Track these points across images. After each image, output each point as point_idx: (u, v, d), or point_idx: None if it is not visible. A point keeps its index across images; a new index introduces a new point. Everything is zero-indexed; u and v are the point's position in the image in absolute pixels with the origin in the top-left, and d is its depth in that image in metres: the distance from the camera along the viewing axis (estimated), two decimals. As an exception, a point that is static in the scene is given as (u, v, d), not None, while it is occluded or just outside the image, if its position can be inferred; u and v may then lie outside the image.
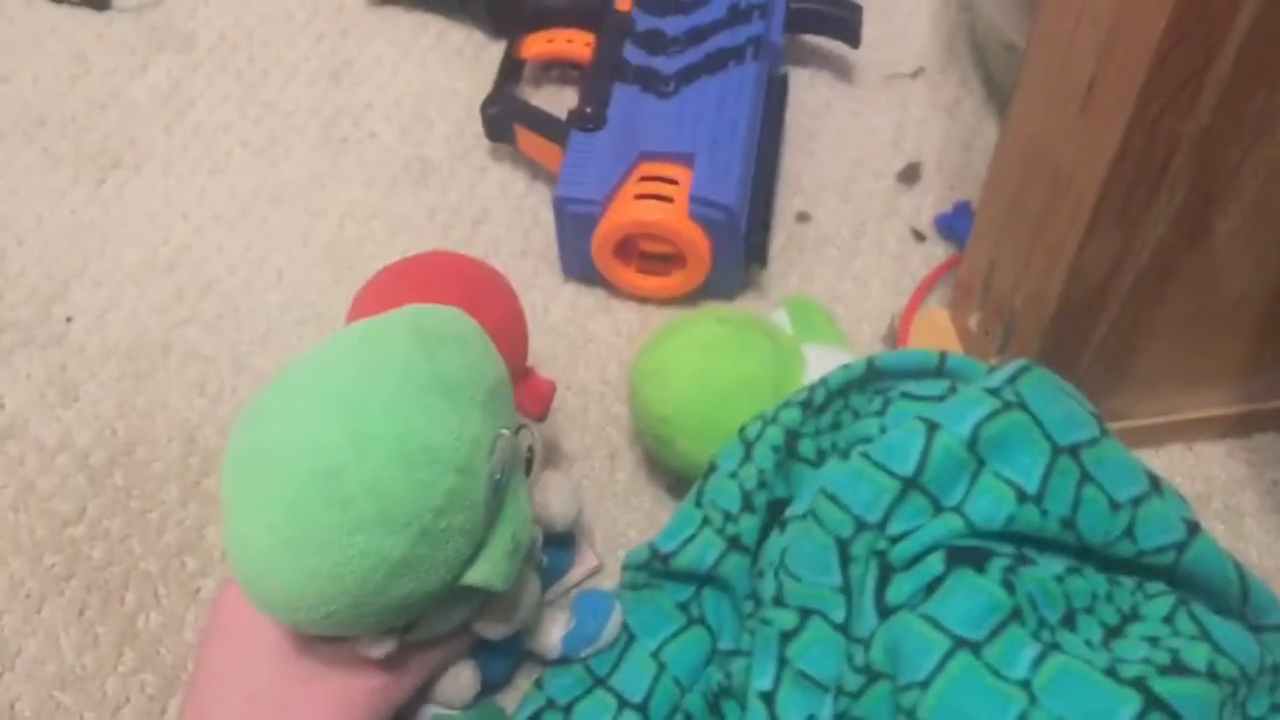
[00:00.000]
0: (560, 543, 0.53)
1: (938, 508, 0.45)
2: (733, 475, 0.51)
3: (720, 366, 0.54)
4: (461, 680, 0.48)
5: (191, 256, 0.69)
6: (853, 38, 0.75)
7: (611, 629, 0.51)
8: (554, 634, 0.50)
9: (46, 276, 0.68)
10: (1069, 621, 0.44)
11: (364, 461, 0.38)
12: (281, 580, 0.39)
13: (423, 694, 0.48)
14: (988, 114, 0.76)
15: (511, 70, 0.75)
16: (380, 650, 0.43)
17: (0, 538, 0.58)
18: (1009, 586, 0.43)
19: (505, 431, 0.42)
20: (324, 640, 0.44)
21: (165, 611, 0.56)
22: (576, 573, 0.54)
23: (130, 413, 0.62)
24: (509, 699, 0.52)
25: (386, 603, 0.40)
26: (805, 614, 0.47)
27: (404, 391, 0.39)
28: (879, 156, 0.74)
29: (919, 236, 0.70)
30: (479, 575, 0.41)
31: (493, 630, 0.46)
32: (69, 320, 0.66)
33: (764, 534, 0.51)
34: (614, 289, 0.67)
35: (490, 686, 0.51)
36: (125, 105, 0.76)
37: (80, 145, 0.74)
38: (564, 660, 0.51)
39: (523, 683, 0.53)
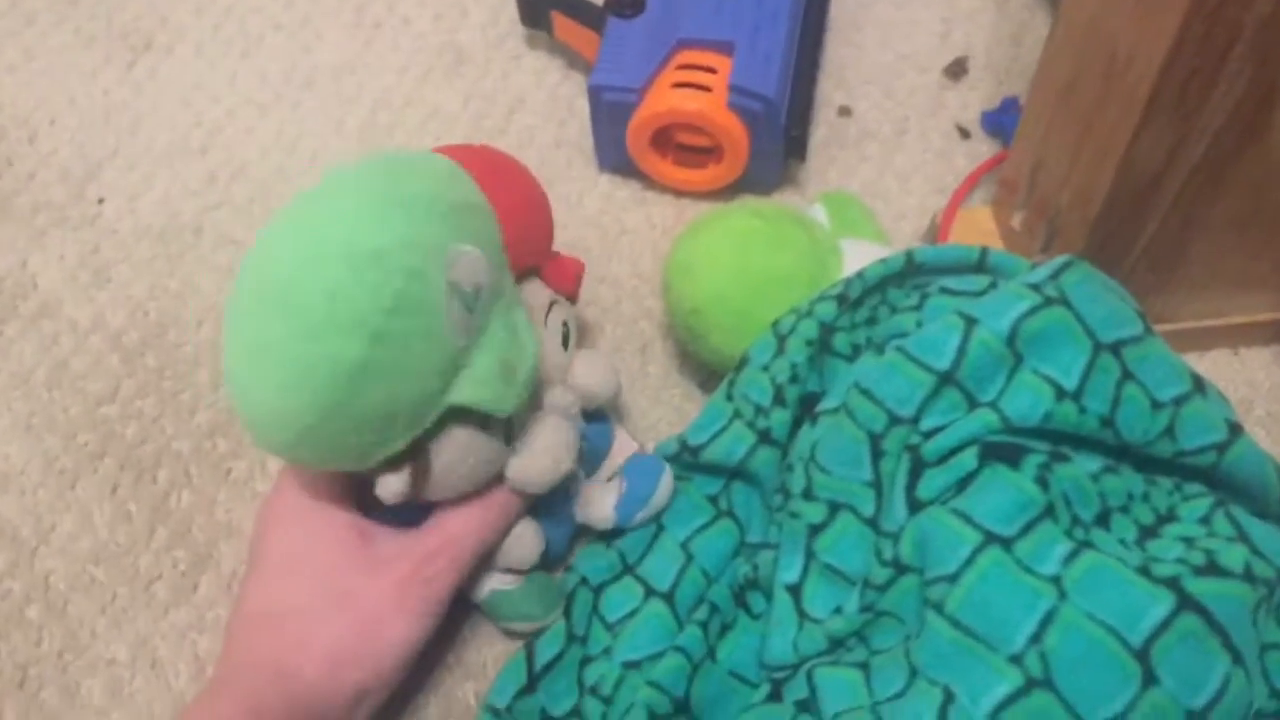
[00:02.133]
0: (600, 424, 0.53)
1: (973, 403, 0.44)
2: (765, 368, 0.50)
3: (754, 259, 0.53)
4: (525, 542, 0.48)
5: (223, 140, 0.68)
6: (903, -75, 0.72)
7: (663, 490, 0.51)
8: (607, 502, 0.50)
9: (79, 157, 0.67)
10: (1103, 520, 0.43)
11: (315, 269, 0.38)
12: (256, 400, 0.39)
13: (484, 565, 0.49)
14: (1039, 7, 0.73)
15: (549, -46, 0.72)
16: (394, 487, 0.43)
17: (35, 415, 0.58)
18: (1043, 483, 0.42)
19: (470, 248, 0.41)
20: (387, 530, 0.45)
21: (196, 491, 0.56)
22: (618, 455, 0.54)
23: (162, 295, 0.62)
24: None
25: (358, 416, 0.39)
26: (834, 508, 0.47)
27: (357, 204, 0.39)
28: (925, 50, 0.72)
29: (964, 133, 0.68)
30: (464, 394, 0.41)
31: (526, 476, 0.46)
32: (101, 201, 0.66)
33: (795, 428, 0.51)
34: (649, 181, 0.66)
35: (546, 562, 0.51)
36: (157, -16, 0.75)
37: (111, 25, 0.73)
38: (619, 531, 0.51)
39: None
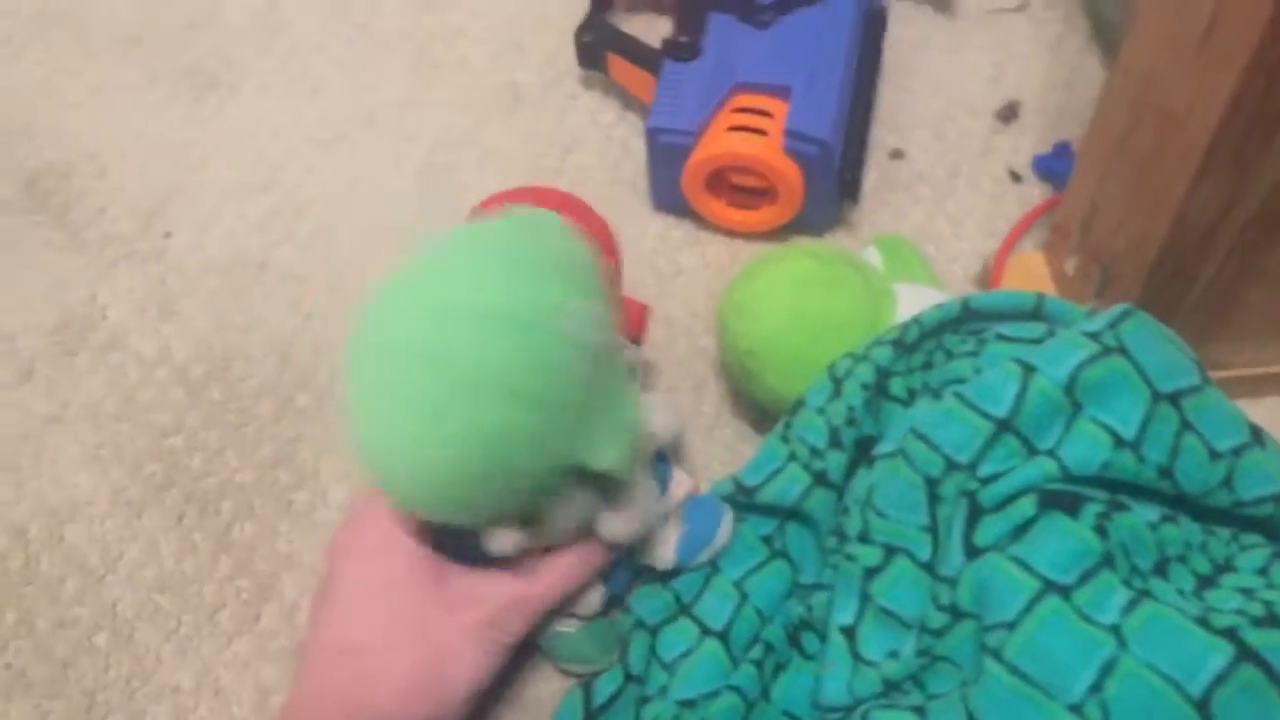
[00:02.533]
0: (659, 463, 0.54)
1: (1031, 451, 0.44)
2: (821, 411, 0.51)
3: (811, 302, 0.54)
4: (592, 598, 0.49)
5: (286, 177, 0.70)
6: (955, -29, 0.73)
7: (724, 531, 0.51)
8: (668, 543, 0.51)
9: (147, 192, 0.69)
10: (1161, 570, 0.43)
11: (449, 331, 0.39)
12: (397, 450, 0.40)
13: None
14: (1092, 52, 0.74)
15: (605, -3, 0.74)
16: (507, 543, 0.43)
17: (103, 445, 0.59)
18: (1101, 532, 0.42)
19: (582, 305, 0.42)
20: (461, 569, 0.46)
21: (259, 522, 0.57)
22: (676, 493, 0.54)
23: (227, 328, 0.64)
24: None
25: (499, 473, 0.40)
26: (890, 551, 0.47)
27: (477, 267, 0.40)
28: (977, 94, 0.72)
29: (1015, 177, 0.69)
30: (594, 455, 0.42)
31: (615, 529, 0.47)
32: (168, 236, 0.67)
33: (850, 471, 0.51)
34: (703, 221, 0.67)
35: (605, 603, 0.51)
36: (221, 25, 0.77)
37: (178, 64, 0.75)
38: (678, 570, 0.52)
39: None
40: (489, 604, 0.46)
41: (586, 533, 0.47)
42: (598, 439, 0.42)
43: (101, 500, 0.58)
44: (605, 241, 0.54)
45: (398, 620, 0.45)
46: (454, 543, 0.47)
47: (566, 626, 0.50)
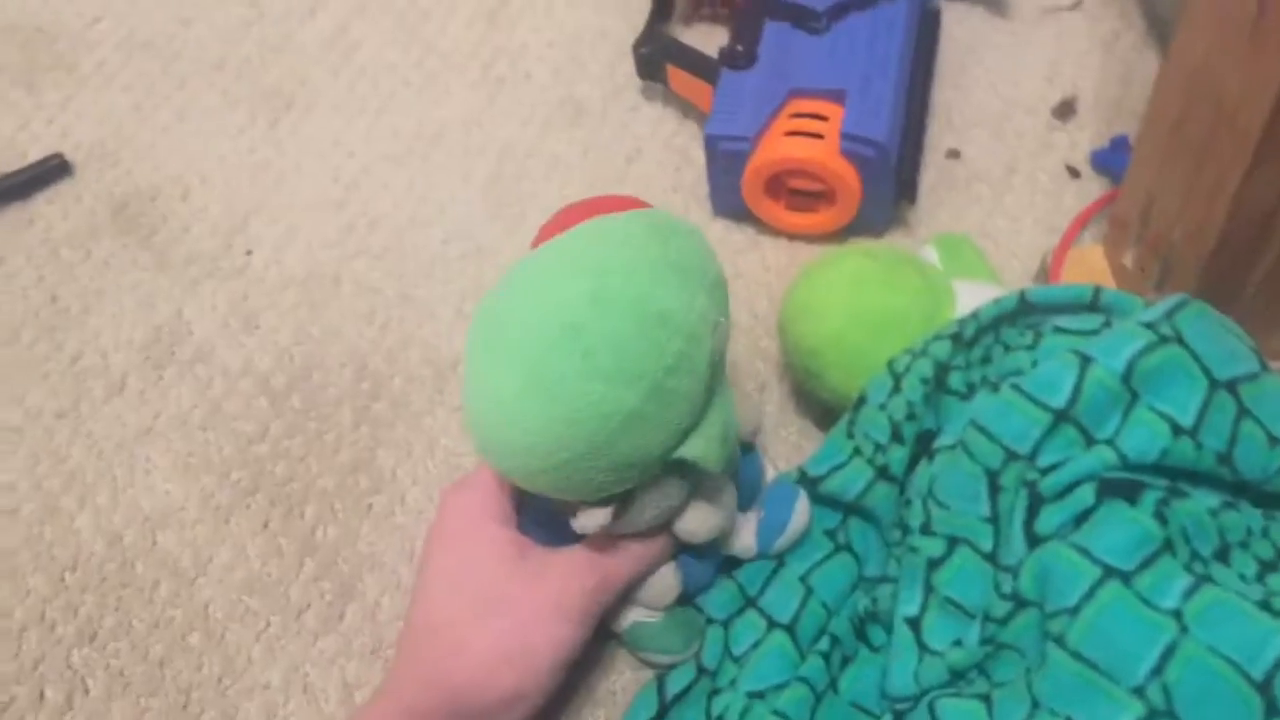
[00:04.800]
0: (749, 455, 0.55)
1: (1089, 440, 0.45)
2: (882, 407, 0.52)
3: (870, 300, 0.55)
4: (664, 582, 0.51)
5: (360, 193, 0.72)
6: (1009, -29, 0.74)
7: (800, 516, 0.52)
8: (748, 532, 0.52)
9: (227, 211, 0.72)
10: (1222, 556, 0.44)
11: (604, 318, 0.41)
12: (523, 426, 0.42)
13: (625, 598, 0.51)
14: (1147, 47, 0.74)
15: (663, 9, 0.76)
16: (596, 521, 0.45)
17: (193, 454, 0.62)
18: (1161, 519, 0.43)
19: (723, 320, 0.45)
20: (542, 549, 0.49)
21: (341, 525, 0.60)
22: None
23: (306, 340, 0.66)
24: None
25: (612, 458, 0.42)
26: (953, 542, 0.48)
27: (641, 264, 0.43)
28: (1033, 91, 0.73)
29: (1073, 173, 0.69)
30: (695, 449, 0.44)
31: (693, 531, 0.48)
32: (249, 253, 0.70)
33: (912, 464, 0.52)
34: (763, 225, 0.68)
35: (691, 593, 0.53)
36: (295, 48, 0.80)
37: (256, 87, 0.78)
38: (761, 557, 0.53)
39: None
40: (569, 578, 0.48)
41: (665, 526, 0.49)
42: (698, 433, 0.44)
43: (192, 506, 0.61)
44: None
45: (482, 596, 0.47)
46: (535, 527, 0.49)
47: (648, 617, 0.51)
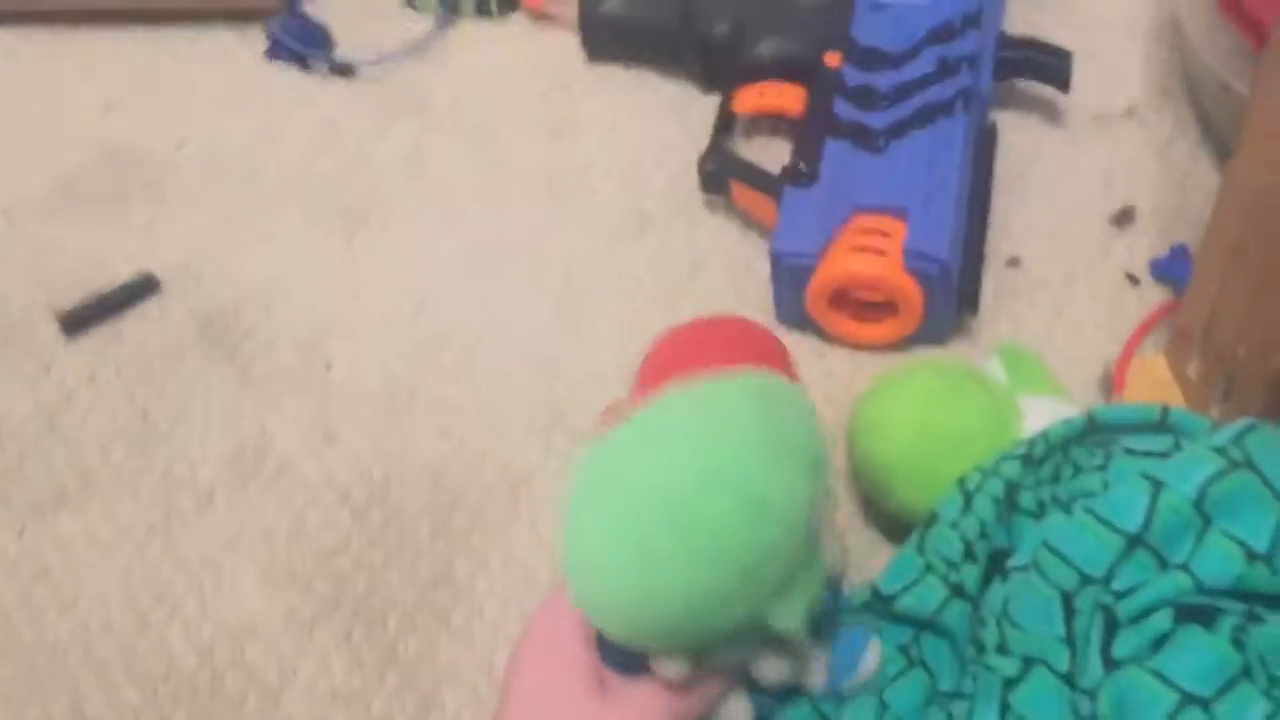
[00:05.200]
0: (859, 630, 0.56)
1: (1163, 564, 0.46)
2: (954, 525, 0.53)
3: (939, 419, 0.56)
4: (737, 714, 0.52)
5: (433, 308, 0.75)
6: (1063, 83, 0.75)
7: (870, 660, 0.53)
8: (818, 671, 0.53)
9: (308, 326, 0.75)
10: (1301, 681, 0.44)
11: (709, 503, 0.43)
12: (616, 593, 0.44)
13: None
14: (1202, 153, 0.76)
15: (725, 124, 0.78)
16: (674, 670, 0.47)
17: (276, 566, 0.64)
18: (1238, 644, 0.43)
19: (820, 487, 0.46)
20: (620, 676, 0.50)
21: (421, 638, 0.61)
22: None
23: (384, 454, 0.68)
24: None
25: (696, 629, 0.44)
26: (1028, 662, 0.49)
27: (749, 442, 0.44)
28: (1090, 199, 0.74)
29: (1133, 280, 0.70)
30: (781, 620, 0.45)
31: (767, 677, 0.50)
32: (329, 367, 0.73)
33: (984, 582, 0.53)
34: (827, 335, 0.70)
35: (762, 717, 0.54)
36: (371, 166, 0.83)
37: (334, 203, 0.81)
38: (830, 693, 0.53)
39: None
40: (646, 710, 0.49)
41: (741, 666, 0.50)
42: (786, 605, 0.45)
43: (276, 618, 0.62)
44: (783, 359, 0.57)
45: (563, 716, 0.49)
46: (614, 655, 0.50)
47: None
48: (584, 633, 0.51)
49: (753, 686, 0.52)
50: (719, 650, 0.48)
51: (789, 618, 0.45)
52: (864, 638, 0.53)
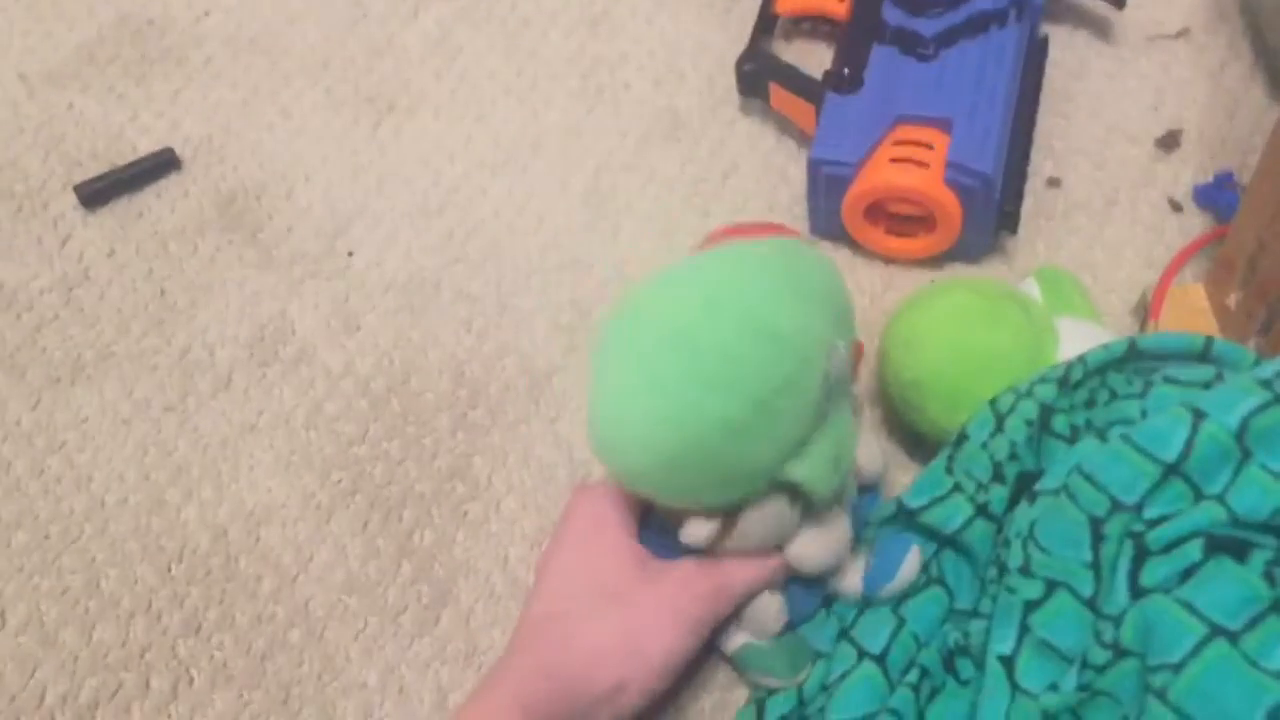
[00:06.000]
0: (871, 495, 0.56)
1: (1198, 495, 0.45)
2: (984, 445, 0.52)
3: (974, 337, 0.55)
4: (770, 610, 0.52)
5: (459, 199, 0.74)
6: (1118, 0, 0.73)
7: (908, 569, 0.53)
8: (854, 575, 0.53)
9: (330, 212, 0.73)
10: (1332, 618, 0.44)
11: (714, 328, 0.43)
12: (628, 422, 0.45)
13: (733, 620, 0.53)
14: (1255, 80, 0.74)
15: (766, 24, 0.76)
16: (703, 532, 0.47)
17: (295, 453, 0.64)
18: (1270, 579, 0.43)
19: (842, 345, 0.46)
20: (659, 559, 0.51)
21: (437, 530, 0.61)
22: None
23: (405, 345, 0.67)
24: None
25: (714, 466, 0.44)
26: (1051, 585, 0.48)
27: (759, 282, 0.45)
28: (1136, 121, 0.73)
29: (1176, 207, 0.69)
30: (801, 471, 0.46)
31: (802, 557, 0.50)
32: (351, 255, 0.71)
33: (1012, 504, 0.53)
34: (859, 247, 0.68)
35: (795, 623, 0.54)
36: (399, 50, 0.81)
37: (359, 89, 0.79)
38: (865, 601, 0.54)
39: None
40: (684, 586, 0.50)
41: (776, 550, 0.50)
42: (806, 454, 0.46)
43: (293, 504, 0.62)
44: None
45: (598, 592, 0.49)
46: (654, 541, 0.51)
47: (759, 640, 0.52)
48: (624, 516, 0.51)
49: (790, 596, 0.53)
50: (747, 509, 0.48)
51: (809, 471, 0.46)
52: (905, 545, 0.53)
